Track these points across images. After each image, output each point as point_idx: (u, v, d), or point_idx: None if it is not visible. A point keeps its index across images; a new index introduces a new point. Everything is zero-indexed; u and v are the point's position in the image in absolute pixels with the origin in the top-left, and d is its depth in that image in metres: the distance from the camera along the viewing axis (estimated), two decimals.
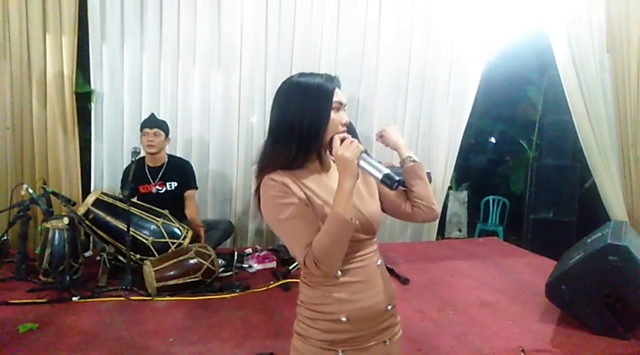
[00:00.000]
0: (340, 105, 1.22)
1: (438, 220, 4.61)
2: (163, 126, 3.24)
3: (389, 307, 1.27)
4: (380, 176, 1.12)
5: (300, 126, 1.17)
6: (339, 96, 1.22)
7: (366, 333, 1.23)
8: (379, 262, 1.29)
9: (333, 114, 1.20)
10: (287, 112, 1.20)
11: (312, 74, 1.24)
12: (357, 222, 1.14)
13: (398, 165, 1.42)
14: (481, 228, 5.98)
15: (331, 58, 4.07)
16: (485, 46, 4.27)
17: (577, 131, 4.23)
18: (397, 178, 1.11)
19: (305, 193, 1.19)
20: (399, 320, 1.34)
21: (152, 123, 3.20)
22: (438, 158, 4.43)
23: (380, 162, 1.15)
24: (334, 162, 1.19)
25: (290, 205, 1.16)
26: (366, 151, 1.16)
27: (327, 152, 1.23)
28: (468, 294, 2.81)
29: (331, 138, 1.19)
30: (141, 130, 3.23)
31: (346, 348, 1.21)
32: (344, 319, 1.20)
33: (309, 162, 1.24)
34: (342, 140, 1.16)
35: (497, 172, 7.02)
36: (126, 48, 3.72)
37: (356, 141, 1.16)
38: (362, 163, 1.14)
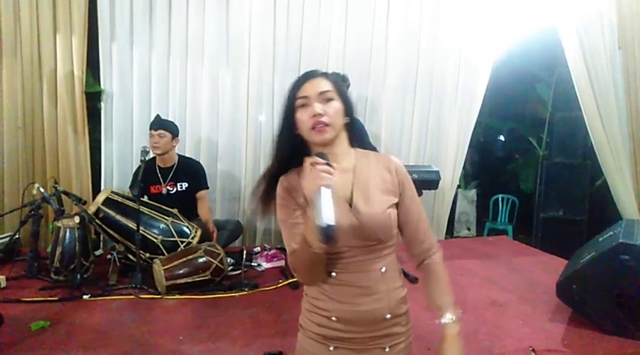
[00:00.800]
0: (306, 99, 1.18)
1: (447, 218, 4.60)
2: (169, 127, 3.23)
3: (388, 316, 1.21)
4: (317, 223, 0.98)
5: (280, 130, 1.23)
6: (305, 90, 1.18)
7: (359, 337, 1.21)
8: (383, 269, 1.20)
9: (297, 113, 1.18)
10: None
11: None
12: (323, 248, 1.05)
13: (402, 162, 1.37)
14: (490, 227, 5.93)
15: (339, 56, 4.06)
16: (494, 43, 4.24)
17: (588, 129, 4.18)
18: (330, 236, 0.96)
19: (305, 195, 1.17)
20: (406, 330, 1.27)
21: (156, 124, 3.21)
22: (447, 156, 4.41)
23: (332, 206, 1.00)
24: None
25: (287, 209, 1.20)
26: (331, 182, 1.04)
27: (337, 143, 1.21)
28: (477, 293, 2.80)
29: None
30: (149, 132, 3.24)
31: (338, 345, 1.22)
32: (334, 319, 1.20)
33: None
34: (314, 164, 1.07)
35: (506, 170, 6.97)
36: (135, 47, 3.74)
37: (324, 168, 1.05)
38: (315, 198, 1.02)
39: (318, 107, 1.16)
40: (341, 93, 1.22)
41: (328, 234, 0.96)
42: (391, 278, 1.23)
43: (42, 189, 2.85)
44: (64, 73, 3.55)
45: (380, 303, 1.20)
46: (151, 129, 3.21)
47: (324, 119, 1.16)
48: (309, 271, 1.18)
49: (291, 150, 1.22)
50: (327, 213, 0.98)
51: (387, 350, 1.23)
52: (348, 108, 1.22)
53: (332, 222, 0.97)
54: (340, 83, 1.25)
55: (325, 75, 1.23)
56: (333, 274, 1.20)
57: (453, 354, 1.23)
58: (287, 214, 1.20)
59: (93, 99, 3.76)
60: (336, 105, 1.19)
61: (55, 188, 2.97)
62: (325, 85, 1.19)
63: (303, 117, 1.17)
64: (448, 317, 1.24)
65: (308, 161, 1.09)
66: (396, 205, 1.24)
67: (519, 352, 2.09)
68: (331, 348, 1.22)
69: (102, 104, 3.75)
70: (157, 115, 3.34)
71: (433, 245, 1.30)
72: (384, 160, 1.28)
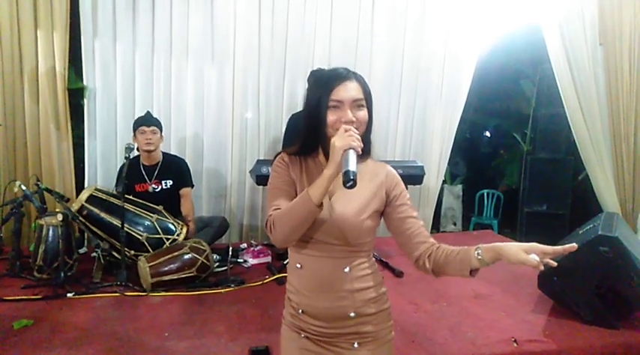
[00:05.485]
0: (339, 103, 1.19)
1: (432, 214, 4.64)
2: (159, 125, 3.23)
3: (352, 314, 1.23)
4: (345, 169, 1.10)
5: (304, 118, 1.28)
6: (339, 93, 1.19)
7: (326, 331, 1.25)
8: (347, 270, 1.23)
9: (329, 113, 1.19)
10: (304, 102, 1.30)
11: (333, 68, 1.26)
12: (329, 217, 1.19)
13: (387, 158, 1.41)
14: (476, 222, 6.00)
15: (325, 52, 4.06)
16: (479, 39, 4.27)
17: (570, 124, 4.25)
18: (351, 178, 1.08)
19: (301, 178, 1.27)
20: (380, 329, 1.28)
21: (150, 121, 3.18)
22: (432, 152, 4.44)
23: (355, 162, 1.12)
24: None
25: (280, 177, 1.28)
26: (358, 149, 1.13)
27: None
28: (461, 286, 2.83)
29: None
30: (136, 129, 3.18)
31: (308, 335, 1.28)
32: (300, 311, 1.27)
33: (320, 154, 1.29)
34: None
35: (491, 166, 7.05)
36: (118, 43, 3.70)
37: (356, 135, 1.13)
38: (344, 154, 1.12)
39: (350, 115, 1.19)
40: (369, 101, 1.24)
41: (352, 177, 1.09)
42: (356, 279, 1.25)
43: (24, 187, 2.81)
44: (45, 70, 3.50)
45: (343, 301, 1.23)
46: (142, 125, 3.15)
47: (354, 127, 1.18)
48: (293, 230, 1.17)
49: (313, 140, 1.27)
50: (352, 165, 1.11)
51: (356, 346, 1.26)
52: (370, 116, 1.25)
53: (355, 170, 1.11)
54: (369, 89, 1.26)
55: (357, 78, 1.24)
56: (298, 266, 1.25)
57: (510, 246, 1.20)
58: (278, 181, 1.28)
59: (76, 95, 3.71)
60: (364, 113, 1.23)
61: (38, 185, 2.93)
62: (359, 93, 1.22)
63: (332, 118, 1.20)
64: (478, 249, 1.25)
65: (343, 126, 1.16)
66: (381, 214, 1.29)
67: (502, 343, 2.12)
68: (302, 336, 1.28)
69: (85, 101, 3.70)
70: (148, 112, 3.31)
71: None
72: (379, 168, 1.32)
